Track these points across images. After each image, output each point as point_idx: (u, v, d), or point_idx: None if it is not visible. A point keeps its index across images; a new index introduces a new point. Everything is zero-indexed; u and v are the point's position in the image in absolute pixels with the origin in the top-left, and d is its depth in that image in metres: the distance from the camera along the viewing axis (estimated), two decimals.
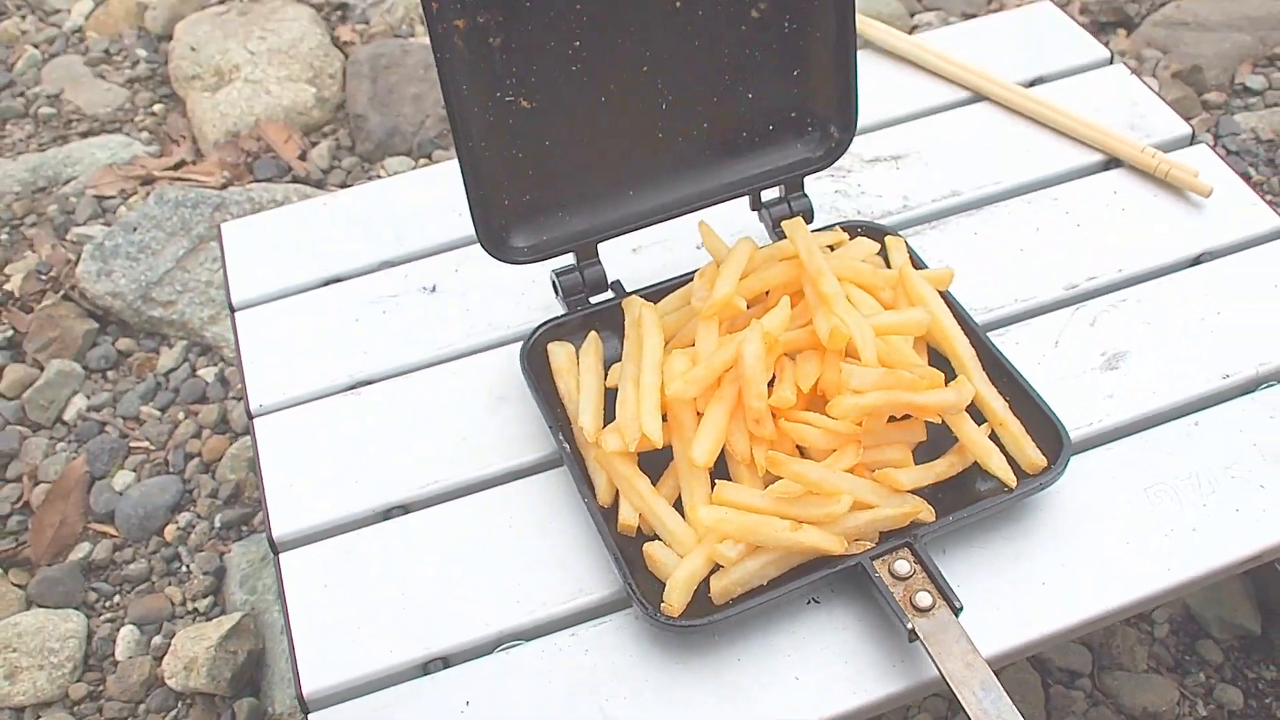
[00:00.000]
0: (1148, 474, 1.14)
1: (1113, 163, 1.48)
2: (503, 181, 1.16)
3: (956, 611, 0.98)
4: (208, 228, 2.02)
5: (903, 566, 1.02)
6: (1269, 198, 2.05)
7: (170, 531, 1.74)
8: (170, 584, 1.67)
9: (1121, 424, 1.19)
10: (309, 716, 1.01)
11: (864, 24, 1.68)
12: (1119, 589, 1.05)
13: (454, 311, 1.36)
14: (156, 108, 2.47)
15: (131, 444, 1.87)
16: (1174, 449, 1.16)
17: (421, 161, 2.28)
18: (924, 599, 0.99)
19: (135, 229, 2.02)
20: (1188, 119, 2.18)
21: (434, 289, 1.39)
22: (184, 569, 1.69)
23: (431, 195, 1.50)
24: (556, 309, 1.27)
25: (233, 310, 1.40)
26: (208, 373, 1.94)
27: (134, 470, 1.83)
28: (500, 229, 1.19)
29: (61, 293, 2.06)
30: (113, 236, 2.03)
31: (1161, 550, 1.08)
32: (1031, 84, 1.60)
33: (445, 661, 1.04)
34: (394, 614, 1.08)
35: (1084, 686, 1.46)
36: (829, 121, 1.28)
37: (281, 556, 1.14)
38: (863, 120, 1.30)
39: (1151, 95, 1.58)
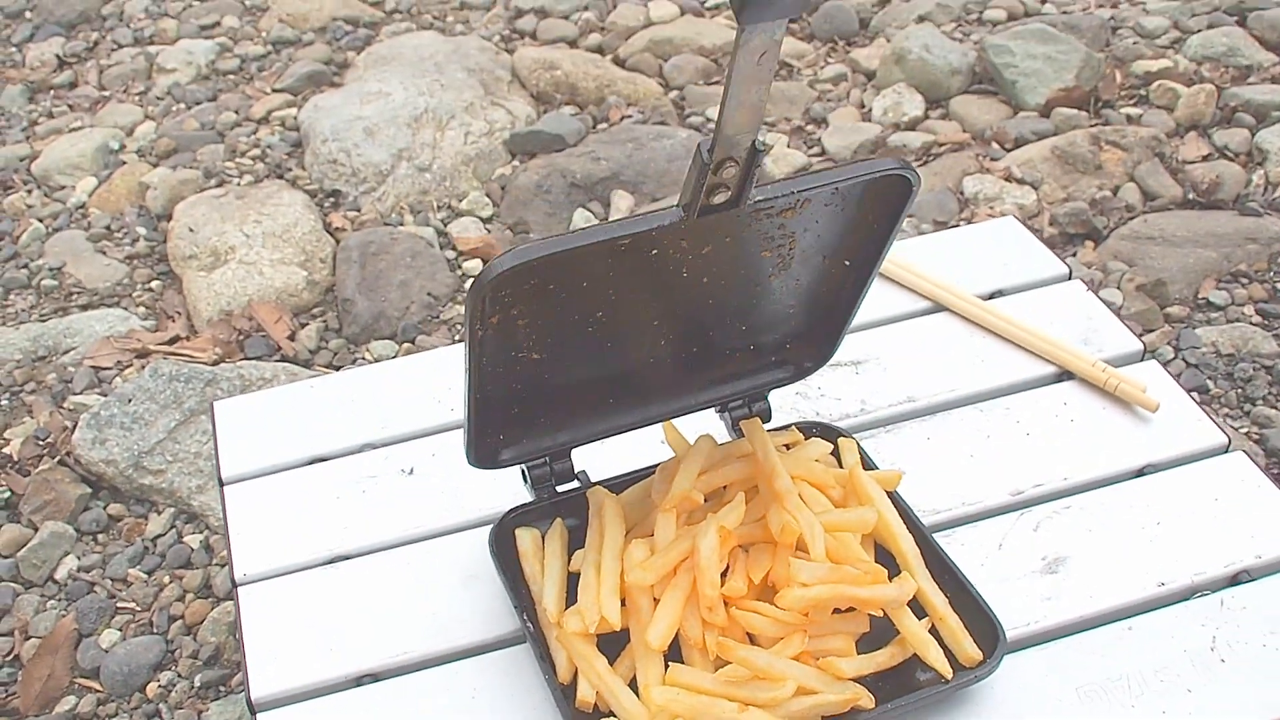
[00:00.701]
0: (1080, 674, 1.19)
1: (1065, 375, 1.57)
2: (499, 410, 1.21)
3: None
4: (199, 401, 2.11)
5: None
6: (1225, 410, 2.14)
7: (152, 689, 1.78)
8: None
9: (1058, 625, 1.24)
10: None
11: None
12: None
13: (430, 494, 1.43)
14: (154, 284, 2.59)
15: (119, 604, 1.92)
16: (1107, 652, 1.21)
17: (405, 346, 2.38)
18: None
19: (130, 400, 2.11)
20: (1149, 331, 2.29)
21: (412, 471, 1.46)
22: None
23: (414, 381, 1.59)
24: (525, 495, 1.34)
25: (222, 484, 1.47)
26: (193, 539, 2.00)
27: (120, 629, 1.87)
28: (490, 450, 1.26)
29: (57, 458, 2.13)
30: (108, 406, 2.11)
31: None
32: (991, 296, 1.71)
33: None
34: None
35: None
36: (807, 357, 1.37)
37: (259, 717, 1.19)
38: None
39: (1106, 311, 1.68)
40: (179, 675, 1.81)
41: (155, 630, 1.88)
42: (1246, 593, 1.28)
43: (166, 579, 1.95)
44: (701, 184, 0.99)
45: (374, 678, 1.23)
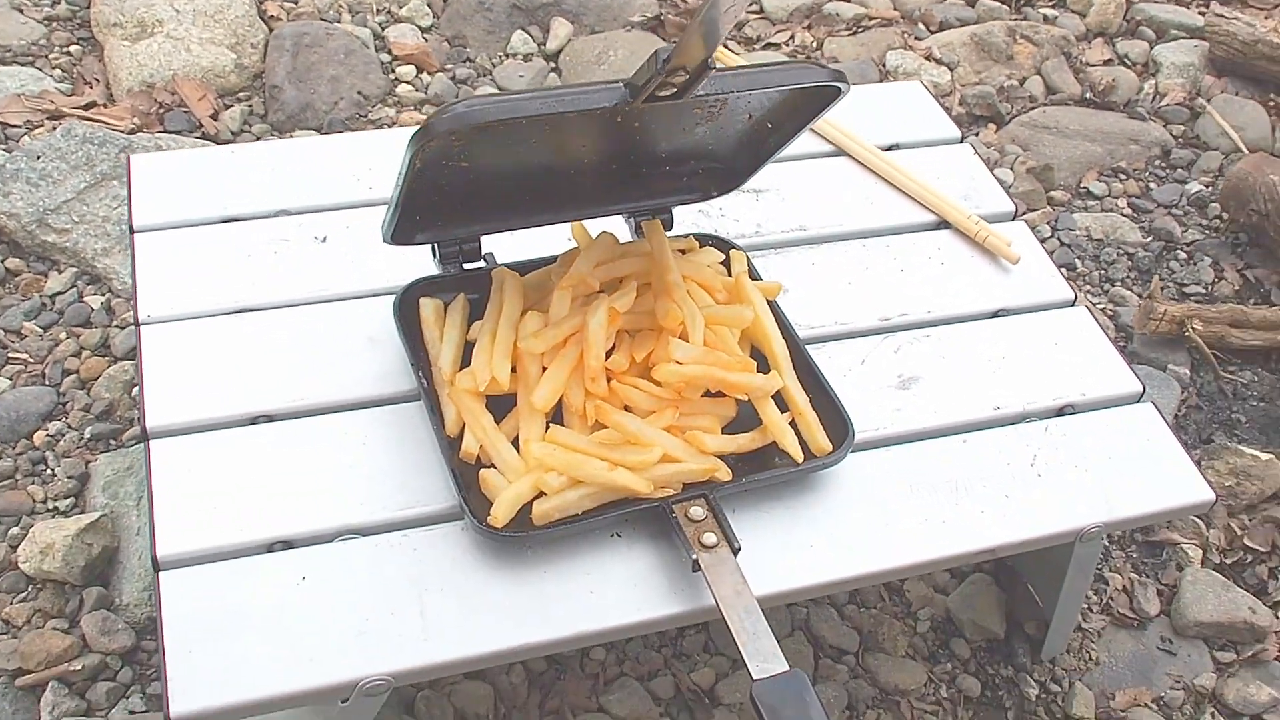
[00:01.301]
0: (916, 476, 1.33)
1: (943, 224, 1.69)
2: (423, 200, 1.28)
3: (735, 551, 1.16)
4: (112, 166, 2.12)
5: (697, 512, 1.19)
6: (1088, 288, 2.30)
7: (40, 437, 1.83)
8: (33, 483, 1.76)
9: (902, 433, 1.38)
10: (160, 575, 1.14)
11: None
12: (874, 559, 1.24)
13: (340, 262, 1.50)
14: (73, 48, 2.55)
15: (10, 355, 1.95)
16: (942, 459, 1.36)
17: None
18: (710, 538, 1.16)
19: (39, 157, 2.11)
20: (1031, 210, 2.43)
21: (325, 240, 1.53)
22: (49, 472, 1.78)
23: (335, 159, 1.65)
24: (433, 270, 1.42)
25: (132, 231, 1.52)
26: (95, 300, 2.03)
27: (10, 379, 1.91)
28: (407, 231, 1.33)
29: None
30: (15, 160, 2.11)
31: (915, 534, 1.27)
32: (889, 148, 1.81)
33: (288, 544, 1.18)
34: (249, 500, 1.21)
35: (849, 662, 1.64)
36: (716, 186, 1.46)
37: (153, 443, 1.27)
38: None
39: (987, 173, 1.80)
40: (69, 426, 1.85)
41: (47, 382, 1.91)
42: (1068, 423, 1.43)
43: (63, 335, 1.99)
44: (651, 84, 1.09)
45: (269, 418, 1.31)
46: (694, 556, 1.15)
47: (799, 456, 1.26)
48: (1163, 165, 2.58)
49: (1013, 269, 1.63)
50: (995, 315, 1.57)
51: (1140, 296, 2.27)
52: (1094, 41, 2.89)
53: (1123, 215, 2.45)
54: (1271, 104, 2.70)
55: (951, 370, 1.47)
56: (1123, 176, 2.55)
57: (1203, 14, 2.94)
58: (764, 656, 1.08)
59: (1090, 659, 1.67)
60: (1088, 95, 2.72)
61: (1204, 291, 2.31)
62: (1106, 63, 2.82)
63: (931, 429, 1.39)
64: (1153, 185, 2.53)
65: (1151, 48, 2.86)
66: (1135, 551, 1.84)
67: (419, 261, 1.44)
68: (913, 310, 1.54)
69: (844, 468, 1.30)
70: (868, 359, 1.46)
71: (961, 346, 1.50)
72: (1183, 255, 2.38)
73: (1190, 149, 2.61)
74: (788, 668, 1.05)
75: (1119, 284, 2.31)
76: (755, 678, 1.05)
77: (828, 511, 1.28)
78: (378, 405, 1.34)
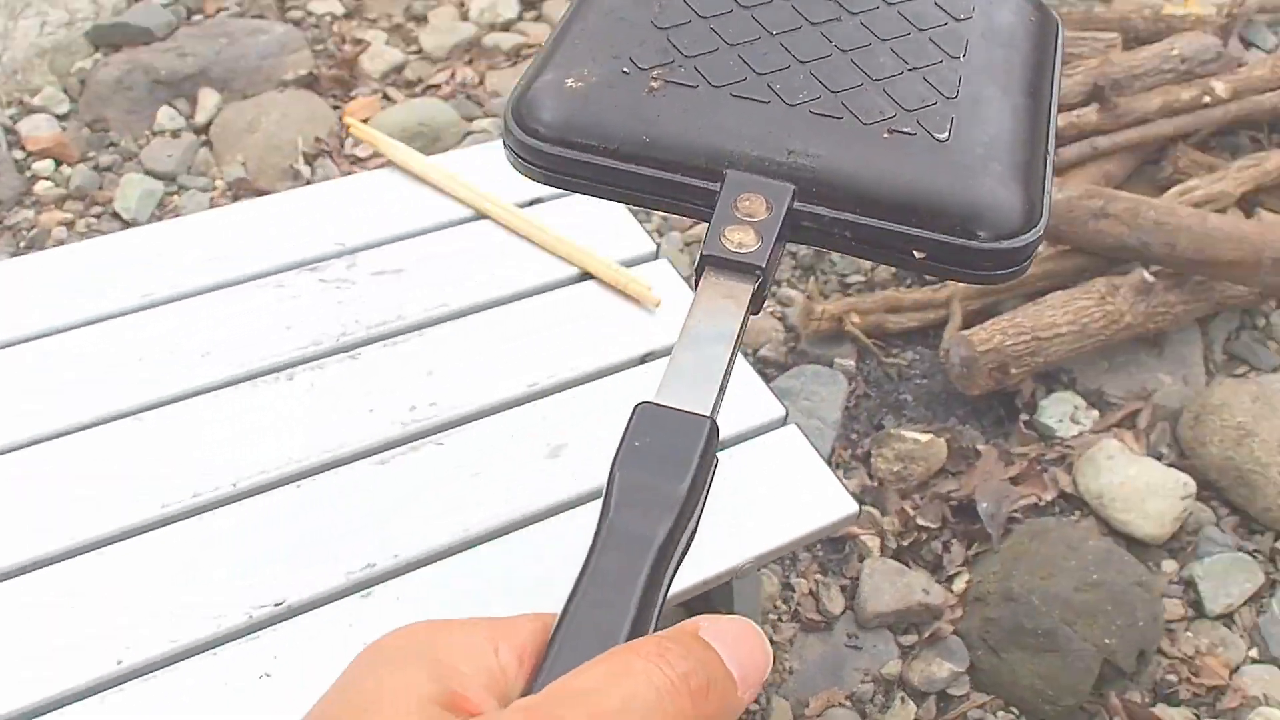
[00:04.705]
0: (571, 547, 1.37)
1: (586, 276, 1.74)
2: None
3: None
4: None
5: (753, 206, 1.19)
6: None
7: None
8: None
9: (554, 504, 1.42)
10: None
11: (387, 144, 1.89)
12: None
13: None
14: None
15: None
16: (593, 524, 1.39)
17: None
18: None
19: None
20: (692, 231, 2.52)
21: None
22: None
23: None
24: None
25: None
26: None
27: None
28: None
29: None
30: None
31: None
32: (529, 204, 1.84)
33: None
34: None
35: None
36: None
37: None
38: (369, 236, 1.50)
39: (628, 215, 1.85)
40: None
41: None
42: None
43: None
44: None
45: None
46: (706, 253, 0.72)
47: None
48: None
49: (657, 311, 1.69)
50: (643, 360, 1.62)
51: (805, 295, 2.39)
52: None
53: None
54: None
55: (602, 428, 1.51)
56: None
57: None
58: (686, 388, 0.61)
59: (784, 670, 1.76)
60: None
61: (864, 280, 2.45)
62: None
63: (584, 494, 1.43)
64: None
65: None
66: (820, 551, 1.94)
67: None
68: (559, 370, 1.58)
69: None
70: (516, 433, 1.49)
71: (611, 400, 1.55)
72: None
73: None
74: (708, 415, 0.62)
75: (784, 284, 2.42)
76: (654, 399, 0.62)
77: None
78: None
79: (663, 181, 0.69)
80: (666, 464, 0.55)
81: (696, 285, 0.65)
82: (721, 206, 0.67)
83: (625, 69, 0.73)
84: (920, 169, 0.68)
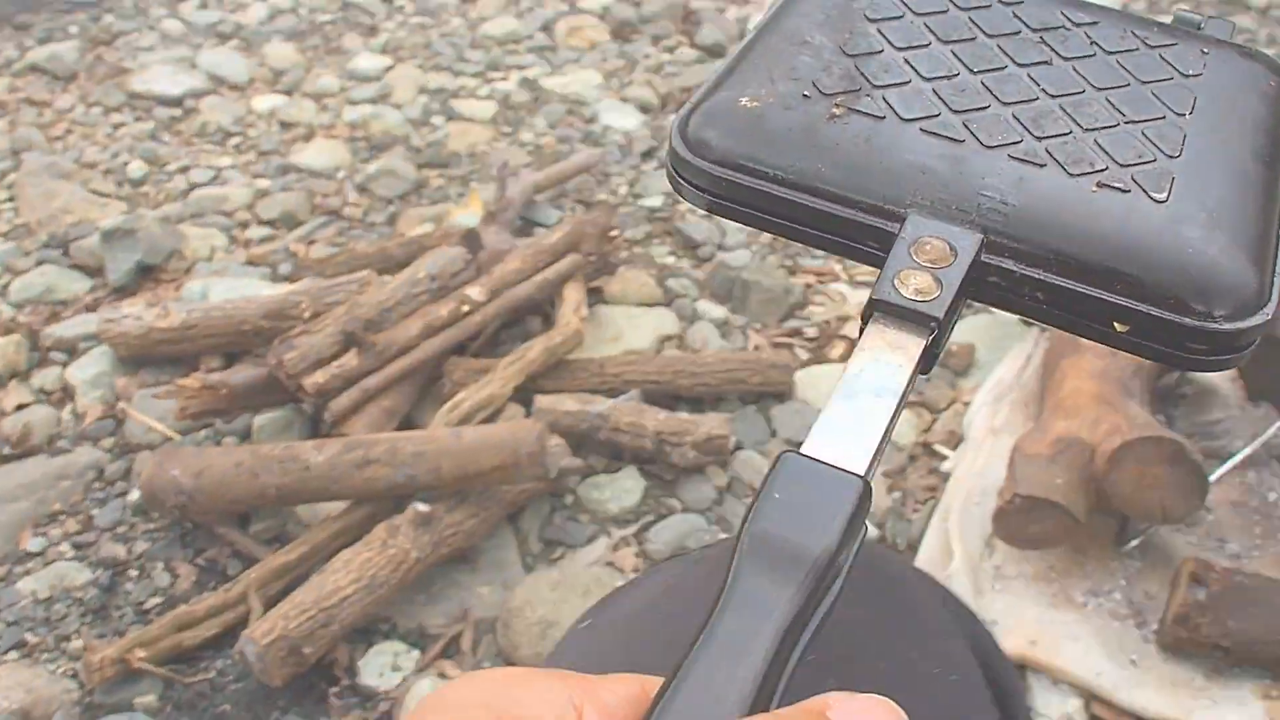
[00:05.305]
0: None
1: None
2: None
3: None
4: None
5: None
6: (46, 657, 2.21)
7: None
8: None
9: None
10: None
11: None
12: None
13: None
14: None
15: None
16: None
17: None
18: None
19: None
20: None
21: None
22: None
23: None
24: None
25: None
26: None
27: None
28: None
29: None
30: None
31: None
32: None
33: None
34: None
35: None
36: None
37: None
38: None
39: None
40: None
41: None
42: None
43: None
44: None
45: None
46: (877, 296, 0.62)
47: None
48: (101, 486, 2.59)
49: None
50: None
51: (99, 638, 2.23)
52: (9, 385, 2.83)
53: (69, 561, 2.41)
54: None
55: None
56: (62, 518, 2.51)
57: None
58: (841, 441, 0.55)
59: None
60: (6, 451, 2.66)
61: (163, 601, 2.33)
62: (20, 408, 2.77)
63: None
64: (95, 511, 2.52)
65: (64, 369, 2.86)
66: None
67: None
68: None
69: None
70: None
71: None
72: (135, 573, 2.39)
73: (125, 457, 2.64)
74: (861, 474, 0.53)
75: (74, 637, 2.25)
76: (803, 450, 0.54)
77: None
78: None
79: (836, 218, 0.61)
80: (810, 522, 0.48)
81: (861, 332, 0.58)
82: (898, 249, 0.59)
83: (806, 92, 0.66)
84: (1132, 230, 0.59)
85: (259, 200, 3.43)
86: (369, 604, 2.18)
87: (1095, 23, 0.73)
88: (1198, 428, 2.64)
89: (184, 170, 3.58)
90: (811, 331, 2.94)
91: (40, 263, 3.21)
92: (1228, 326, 0.57)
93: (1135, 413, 2.37)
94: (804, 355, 2.88)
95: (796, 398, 2.73)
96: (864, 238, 0.61)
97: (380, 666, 2.20)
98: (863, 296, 3.00)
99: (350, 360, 2.60)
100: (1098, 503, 2.23)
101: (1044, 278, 0.58)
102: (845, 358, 2.85)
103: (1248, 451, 2.49)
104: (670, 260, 3.19)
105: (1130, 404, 2.43)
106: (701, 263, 3.18)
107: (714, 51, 4.08)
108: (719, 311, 3.01)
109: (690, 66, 4.02)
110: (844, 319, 2.97)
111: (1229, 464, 2.48)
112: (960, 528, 2.35)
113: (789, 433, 2.64)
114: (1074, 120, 0.66)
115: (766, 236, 3.21)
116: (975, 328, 2.92)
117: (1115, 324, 0.58)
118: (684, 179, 0.65)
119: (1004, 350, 2.83)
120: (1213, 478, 2.36)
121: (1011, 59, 0.69)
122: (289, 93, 3.91)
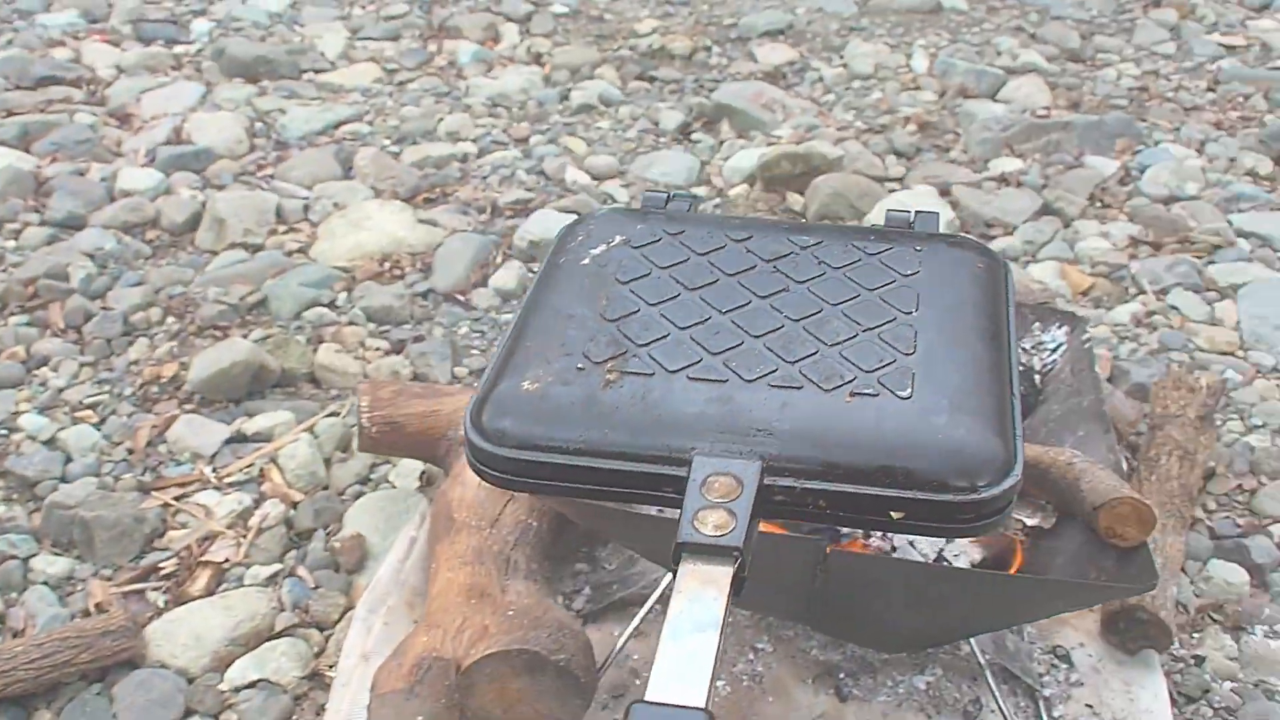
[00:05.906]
0: None
1: None
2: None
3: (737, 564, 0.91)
4: None
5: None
6: None
7: None
8: None
9: None
10: None
11: None
12: None
13: None
14: None
15: None
16: None
17: None
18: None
19: None
20: None
21: None
22: None
23: None
24: None
25: None
26: None
27: None
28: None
29: None
30: None
31: None
32: None
33: None
34: None
35: None
36: None
37: None
38: None
39: None
40: None
41: None
42: None
43: None
44: None
45: None
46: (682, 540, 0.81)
47: None
48: None
49: None
50: None
51: None
52: None
53: None
54: None
55: None
56: None
57: None
58: (677, 683, 0.70)
59: None
60: None
61: None
62: None
63: None
64: None
65: None
66: None
67: None
68: None
69: None
70: None
71: None
72: None
73: None
74: (702, 706, 0.67)
75: None
76: (647, 697, 0.71)
77: None
78: None
79: (630, 474, 0.74)
80: None
81: (675, 574, 0.70)
82: (690, 491, 0.71)
83: (580, 365, 0.81)
84: (888, 429, 0.72)
85: None
86: None
87: (820, 242, 0.89)
88: (617, 576, 2.37)
89: None
90: (171, 565, 2.44)
91: None
92: (988, 494, 0.71)
93: (513, 599, 2.04)
94: (161, 600, 2.38)
95: (149, 661, 2.22)
96: (658, 485, 0.73)
97: None
98: (230, 499, 2.54)
99: None
100: None
101: (823, 487, 0.70)
102: (211, 588, 2.37)
103: (656, 596, 2.23)
104: None
105: (513, 585, 2.10)
106: (39, 503, 2.61)
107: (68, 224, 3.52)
108: (61, 565, 2.46)
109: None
110: (210, 538, 2.49)
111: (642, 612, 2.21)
112: None
113: (133, 716, 2.13)
114: (818, 339, 0.81)
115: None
116: (364, 511, 2.54)
117: (891, 513, 0.70)
118: (485, 466, 0.78)
119: (398, 535, 2.45)
120: (625, 635, 2.07)
121: (754, 293, 0.85)
122: None
